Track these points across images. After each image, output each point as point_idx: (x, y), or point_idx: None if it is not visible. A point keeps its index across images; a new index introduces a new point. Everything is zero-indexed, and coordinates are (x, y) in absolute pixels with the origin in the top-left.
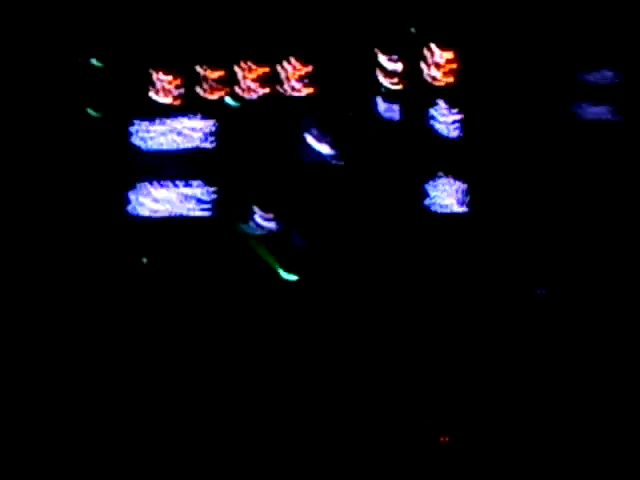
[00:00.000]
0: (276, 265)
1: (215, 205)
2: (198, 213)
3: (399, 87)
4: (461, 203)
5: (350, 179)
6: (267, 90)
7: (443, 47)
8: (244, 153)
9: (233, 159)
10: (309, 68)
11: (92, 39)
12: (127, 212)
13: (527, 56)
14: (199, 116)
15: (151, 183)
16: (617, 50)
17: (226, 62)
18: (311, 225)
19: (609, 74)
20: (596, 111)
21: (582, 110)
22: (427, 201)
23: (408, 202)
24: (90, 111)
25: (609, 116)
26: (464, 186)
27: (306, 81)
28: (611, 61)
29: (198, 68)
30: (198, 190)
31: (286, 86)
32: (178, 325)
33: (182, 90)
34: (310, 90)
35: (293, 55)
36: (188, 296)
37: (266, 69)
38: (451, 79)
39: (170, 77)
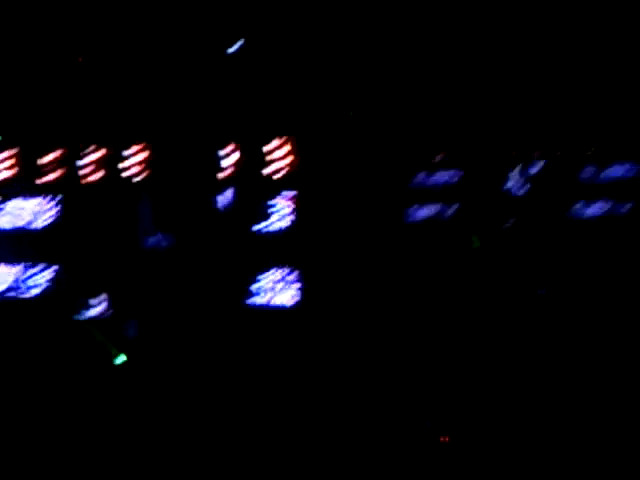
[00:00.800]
0: (110, 348)
1: (46, 287)
2: (28, 294)
3: (235, 176)
4: (294, 294)
5: (182, 266)
6: (105, 173)
7: (281, 139)
8: (78, 235)
9: (67, 241)
10: (148, 153)
11: None
12: None
13: (366, 148)
14: (33, 196)
15: None
16: (461, 148)
17: (65, 142)
18: (141, 312)
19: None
20: (430, 210)
21: (415, 209)
22: (257, 293)
23: (237, 294)
24: None
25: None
26: (296, 277)
27: (144, 166)
28: (455, 160)
29: (34, 147)
30: (29, 271)
31: (125, 170)
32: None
33: (17, 169)
34: (147, 175)
35: (133, 138)
36: (18, 379)
37: (105, 151)
38: (288, 169)
39: (5, 155)
